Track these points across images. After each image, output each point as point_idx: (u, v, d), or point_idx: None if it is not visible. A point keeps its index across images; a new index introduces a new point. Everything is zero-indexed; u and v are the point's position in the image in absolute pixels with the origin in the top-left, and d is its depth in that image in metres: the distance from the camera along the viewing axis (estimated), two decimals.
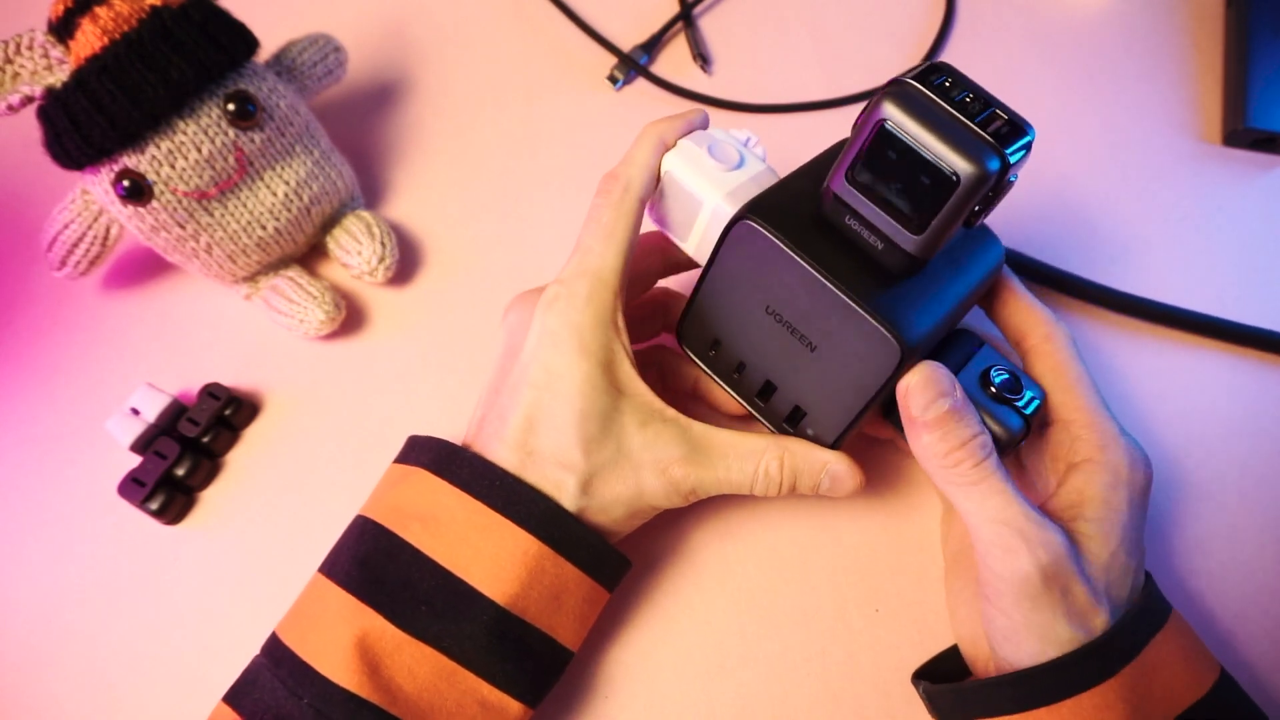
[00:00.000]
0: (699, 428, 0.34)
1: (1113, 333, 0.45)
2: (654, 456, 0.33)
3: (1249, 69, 0.51)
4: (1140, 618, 0.31)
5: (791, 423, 0.36)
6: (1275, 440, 0.43)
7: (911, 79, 0.28)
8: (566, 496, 0.33)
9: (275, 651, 0.32)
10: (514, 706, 0.32)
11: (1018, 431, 0.33)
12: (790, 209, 0.32)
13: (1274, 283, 0.47)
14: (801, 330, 0.33)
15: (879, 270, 0.31)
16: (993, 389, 0.33)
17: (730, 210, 0.33)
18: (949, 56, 0.54)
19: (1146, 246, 0.48)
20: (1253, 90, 0.50)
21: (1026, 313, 0.35)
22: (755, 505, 0.41)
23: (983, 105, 0.28)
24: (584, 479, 0.32)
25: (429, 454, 0.34)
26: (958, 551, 0.38)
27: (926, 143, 0.27)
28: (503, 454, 0.33)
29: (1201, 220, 0.49)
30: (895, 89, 0.28)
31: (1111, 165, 0.51)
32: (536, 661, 0.33)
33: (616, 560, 0.34)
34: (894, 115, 0.28)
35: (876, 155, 0.29)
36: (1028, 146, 0.28)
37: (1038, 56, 0.54)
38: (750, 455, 0.34)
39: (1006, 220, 0.44)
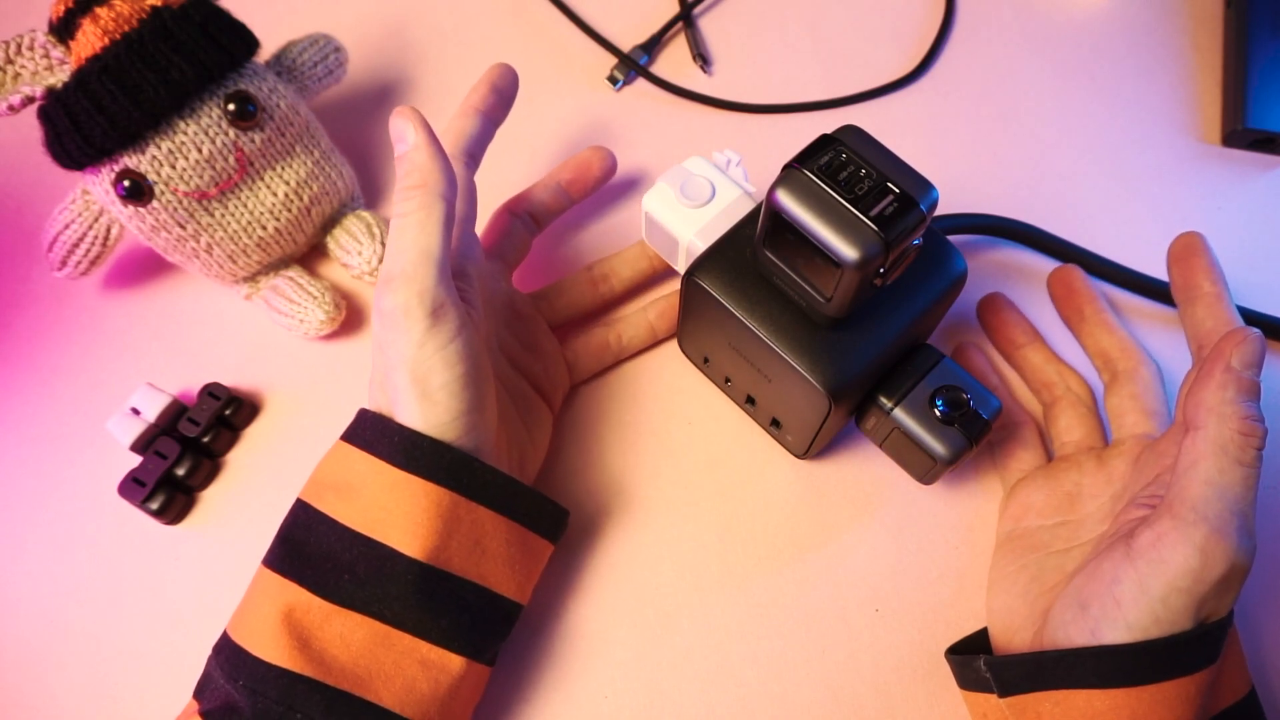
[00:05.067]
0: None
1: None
2: (375, 312, 0.32)
3: (1248, 69, 0.51)
4: (1228, 619, 0.31)
5: (776, 427, 0.40)
6: (1277, 439, 0.43)
7: (805, 165, 0.30)
8: (372, 402, 0.33)
9: (219, 641, 0.32)
10: (455, 661, 0.32)
11: (960, 451, 0.35)
12: (736, 260, 0.35)
13: (1274, 283, 0.47)
14: (757, 365, 0.36)
15: (812, 319, 0.33)
16: (937, 410, 0.35)
17: (701, 246, 0.37)
18: (949, 56, 0.54)
19: (1146, 246, 0.48)
20: (1252, 90, 0.50)
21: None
22: (755, 505, 0.41)
23: (874, 182, 0.30)
24: (374, 380, 0.34)
25: (349, 425, 0.34)
26: (1012, 532, 0.38)
27: (813, 229, 0.30)
28: (378, 399, 0.34)
29: (1201, 220, 0.49)
30: (786, 176, 0.30)
31: (1111, 165, 0.51)
32: (473, 614, 0.33)
33: (532, 499, 0.34)
34: (785, 203, 0.30)
35: (777, 234, 0.31)
36: (922, 218, 0.30)
37: (1038, 56, 0.54)
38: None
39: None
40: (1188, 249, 0.36)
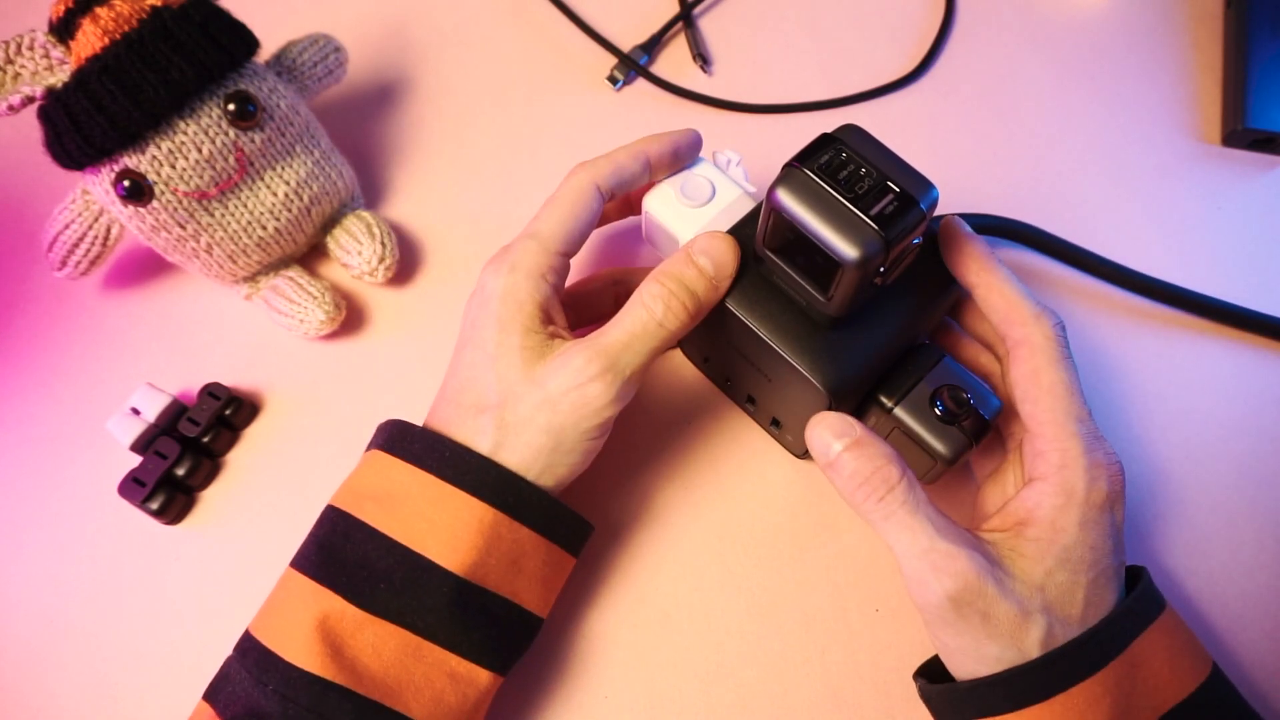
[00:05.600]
0: (599, 336, 0.33)
1: (1119, 320, 0.45)
2: (565, 382, 0.32)
3: (1248, 69, 0.51)
4: (1127, 616, 0.31)
5: (776, 427, 0.40)
6: (1275, 440, 0.43)
7: (805, 164, 0.30)
8: (484, 440, 0.33)
9: (244, 644, 0.32)
10: (483, 675, 0.32)
11: (961, 451, 0.35)
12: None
13: (1273, 283, 0.47)
14: (757, 364, 0.36)
15: (812, 318, 0.33)
16: (938, 409, 0.35)
17: None
18: (949, 56, 0.54)
19: (1145, 246, 0.48)
20: (1252, 90, 0.50)
21: (1004, 310, 0.34)
22: (755, 505, 0.41)
23: (874, 181, 0.30)
24: (498, 416, 0.33)
25: (384, 434, 0.35)
26: None
27: (813, 228, 0.30)
28: (444, 415, 0.34)
29: (1200, 220, 0.49)
30: (786, 175, 0.30)
31: (1111, 165, 0.51)
32: (502, 629, 0.33)
33: (571, 520, 0.35)
34: (785, 201, 0.30)
35: (778, 233, 0.31)
36: (921, 217, 0.30)
37: (1038, 56, 0.54)
38: (635, 300, 0.34)
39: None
40: (951, 237, 0.35)
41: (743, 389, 0.40)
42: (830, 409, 0.33)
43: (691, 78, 0.53)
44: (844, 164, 0.30)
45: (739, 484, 0.41)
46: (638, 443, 0.42)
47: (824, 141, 0.31)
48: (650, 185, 0.39)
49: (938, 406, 0.35)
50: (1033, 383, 0.33)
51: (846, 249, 0.29)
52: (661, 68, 0.53)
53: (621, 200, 0.40)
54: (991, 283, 0.34)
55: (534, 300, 0.34)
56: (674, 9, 0.55)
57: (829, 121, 0.52)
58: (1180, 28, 0.55)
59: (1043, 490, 0.32)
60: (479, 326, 0.34)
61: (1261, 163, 0.51)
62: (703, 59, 0.53)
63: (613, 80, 0.52)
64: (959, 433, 0.35)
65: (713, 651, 0.38)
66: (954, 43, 0.55)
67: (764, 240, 0.32)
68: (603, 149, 0.37)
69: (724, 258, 0.34)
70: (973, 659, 0.31)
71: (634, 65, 0.52)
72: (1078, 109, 0.52)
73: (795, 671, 0.38)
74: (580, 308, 0.41)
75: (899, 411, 0.35)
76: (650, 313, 0.33)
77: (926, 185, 0.30)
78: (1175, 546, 0.41)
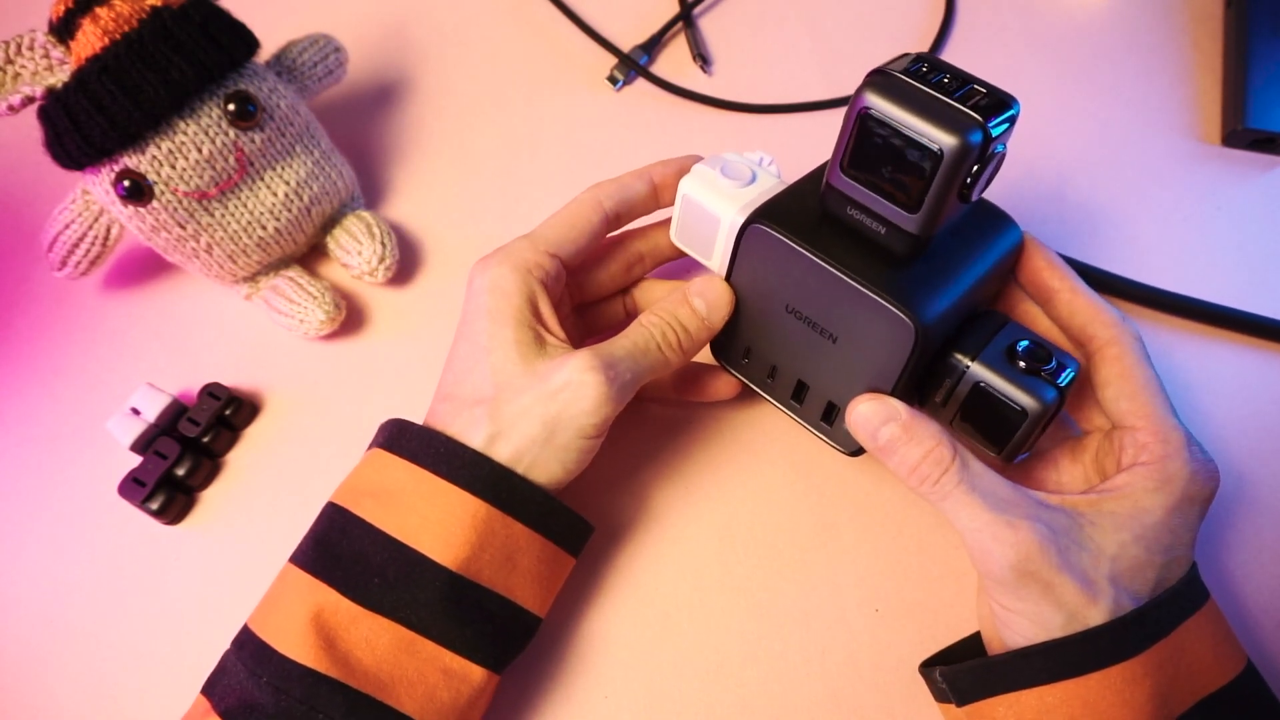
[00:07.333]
0: (600, 345, 0.35)
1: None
2: (564, 377, 0.33)
3: (1248, 69, 0.51)
4: (1174, 600, 0.31)
5: (828, 420, 0.37)
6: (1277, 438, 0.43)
7: (890, 69, 0.29)
8: (478, 432, 0.33)
9: (241, 637, 0.32)
10: (477, 672, 0.32)
11: (1051, 402, 0.32)
12: (796, 211, 0.33)
13: (1274, 283, 0.47)
14: (821, 324, 0.34)
15: (887, 255, 0.32)
16: (1020, 362, 0.32)
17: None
18: (948, 56, 0.54)
19: (1146, 247, 0.48)
20: (1252, 90, 0.50)
21: (1090, 312, 0.34)
22: (755, 504, 0.41)
23: (961, 83, 0.29)
24: (493, 407, 0.33)
25: (384, 433, 0.35)
26: None
27: (908, 122, 0.28)
28: (440, 410, 0.35)
29: (1201, 221, 0.49)
30: (874, 78, 0.29)
31: (1111, 166, 0.51)
32: (496, 626, 0.33)
33: (568, 518, 0.35)
34: (875, 102, 0.29)
35: (864, 142, 0.30)
36: (1012, 118, 0.29)
37: (1037, 57, 0.54)
38: (636, 323, 0.36)
39: None
40: (1031, 249, 0.36)
41: (792, 376, 0.37)
42: (914, 355, 0.31)
43: (691, 78, 0.53)
44: (928, 71, 0.29)
45: (739, 484, 0.41)
46: (638, 443, 0.42)
47: (912, 58, 0.30)
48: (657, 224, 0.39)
49: (1019, 357, 0.33)
50: (1128, 379, 0.33)
51: (946, 137, 0.27)
52: (661, 68, 0.53)
53: (651, 190, 0.39)
54: (1076, 287, 0.35)
55: (521, 293, 0.34)
56: (674, 9, 0.55)
57: (829, 121, 0.52)
58: (1180, 28, 0.55)
59: (1139, 474, 0.32)
60: (470, 320, 0.35)
61: (1261, 163, 0.51)
62: (703, 59, 0.53)
63: (613, 80, 0.52)
64: (1046, 383, 0.32)
65: (713, 651, 0.38)
66: (954, 43, 0.55)
67: (842, 162, 0.31)
68: (603, 149, 0.37)
69: (718, 300, 0.36)
70: (1031, 623, 0.31)
71: (634, 65, 0.52)
72: (1077, 109, 0.52)
73: (795, 671, 0.38)
74: (592, 316, 0.42)
75: (977, 367, 0.32)
76: (650, 335, 0.35)
77: (1009, 96, 0.29)
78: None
